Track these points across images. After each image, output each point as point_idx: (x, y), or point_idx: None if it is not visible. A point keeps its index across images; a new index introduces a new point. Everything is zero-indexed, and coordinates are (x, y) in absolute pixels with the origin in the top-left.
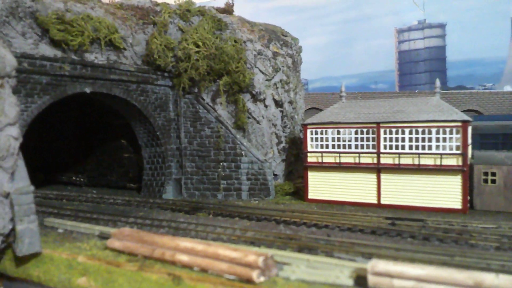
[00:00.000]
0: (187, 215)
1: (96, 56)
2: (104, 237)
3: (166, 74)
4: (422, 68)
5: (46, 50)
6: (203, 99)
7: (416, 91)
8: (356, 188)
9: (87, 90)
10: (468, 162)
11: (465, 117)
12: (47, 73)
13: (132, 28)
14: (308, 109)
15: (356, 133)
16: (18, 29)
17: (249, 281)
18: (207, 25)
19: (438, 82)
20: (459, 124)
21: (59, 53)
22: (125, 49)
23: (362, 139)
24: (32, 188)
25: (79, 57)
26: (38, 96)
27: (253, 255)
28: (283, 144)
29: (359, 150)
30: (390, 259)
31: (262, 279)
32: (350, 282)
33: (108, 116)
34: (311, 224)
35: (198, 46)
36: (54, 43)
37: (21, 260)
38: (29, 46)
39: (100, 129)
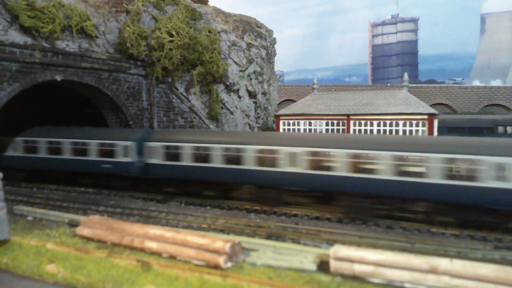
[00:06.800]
0: (159, 204)
1: (68, 44)
2: (73, 224)
3: (139, 63)
4: (394, 62)
5: (16, 36)
6: (177, 89)
7: (388, 84)
8: None
9: (58, 77)
10: None
11: (431, 110)
12: (17, 60)
13: (104, 16)
14: (283, 100)
15: (327, 124)
16: None
17: (216, 266)
18: (181, 14)
19: (406, 76)
20: (425, 117)
21: (29, 40)
22: (97, 37)
23: (332, 131)
24: (0, 175)
25: (50, 45)
26: (7, 83)
27: (220, 241)
28: None
29: None
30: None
31: (229, 264)
32: (314, 267)
33: (80, 105)
34: (281, 213)
35: (171, 36)
36: (24, 30)
37: None
38: None
39: (71, 118)
